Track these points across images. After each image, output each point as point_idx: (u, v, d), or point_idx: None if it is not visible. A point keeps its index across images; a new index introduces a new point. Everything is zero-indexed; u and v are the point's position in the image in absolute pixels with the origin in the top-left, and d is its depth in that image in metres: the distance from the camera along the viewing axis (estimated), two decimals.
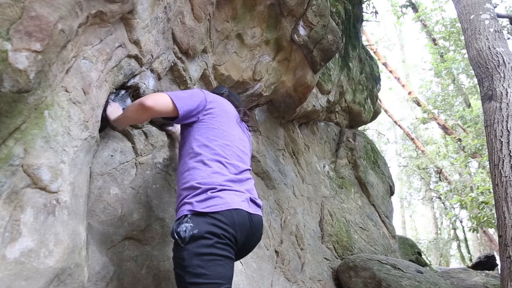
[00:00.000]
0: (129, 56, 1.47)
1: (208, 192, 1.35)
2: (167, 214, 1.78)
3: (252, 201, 1.49)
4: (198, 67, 2.09)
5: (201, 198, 1.34)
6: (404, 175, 17.29)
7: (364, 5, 5.52)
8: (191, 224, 1.27)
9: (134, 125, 1.78)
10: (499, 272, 2.79)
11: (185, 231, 1.26)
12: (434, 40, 12.48)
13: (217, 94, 1.74)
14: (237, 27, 2.36)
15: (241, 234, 1.36)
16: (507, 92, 2.99)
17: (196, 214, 1.31)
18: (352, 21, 4.38)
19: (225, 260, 1.28)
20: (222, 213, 1.31)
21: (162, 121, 1.95)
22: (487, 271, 5.21)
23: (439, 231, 16.74)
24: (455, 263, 14.99)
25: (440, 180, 12.58)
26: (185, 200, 1.37)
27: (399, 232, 12.05)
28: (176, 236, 1.27)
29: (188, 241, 1.24)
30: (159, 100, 1.45)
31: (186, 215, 1.32)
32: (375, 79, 5.61)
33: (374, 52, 11.06)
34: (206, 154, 1.45)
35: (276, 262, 2.57)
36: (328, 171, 4.33)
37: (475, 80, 7.14)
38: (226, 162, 1.47)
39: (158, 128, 1.94)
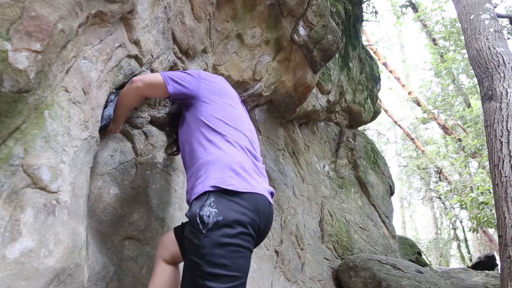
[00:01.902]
0: (129, 56, 1.47)
1: (231, 167, 1.26)
2: (167, 214, 1.78)
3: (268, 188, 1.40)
4: (198, 67, 2.09)
5: (224, 173, 1.24)
6: (404, 175, 17.29)
7: (364, 5, 5.52)
8: (215, 210, 1.16)
9: (134, 125, 1.78)
10: (499, 272, 2.79)
11: (209, 216, 1.15)
12: (434, 40, 12.49)
13: None
14: (237, 27, 2.36)
15: (263, 223, 1.27)
16: (507, 92, 2.99)
17: (220, 193, 1.20)
18: (352, 21, 4.38)
19: (247, 252, 1.19)
20: (246, 198, 1.21)
21: (163, 121, 1.95)
22: (487, 271, 5.20)
23: (439, 231, 16.73)
24: (455, 263, 14.99)
25: (440, 180, 12.58)
26: (206, 175, 1.25)
27: (399, 232, 12.05)
28: (199, 221, 1.15)
29: (211, 227, 1.13)
30: (149, 75, 1.44)
31: (208, 193, 1.21)
32: (375, 79, 5.60)
33: (374, 52, 11.06)
34: (221, 128, 1.36)
35: (276, 262, 2.57)
36: (328, 171, 4.33)
37: (475, 80, 7.13)
38: (242, 138, 1.39)
39: (158, 128, 1.94)
